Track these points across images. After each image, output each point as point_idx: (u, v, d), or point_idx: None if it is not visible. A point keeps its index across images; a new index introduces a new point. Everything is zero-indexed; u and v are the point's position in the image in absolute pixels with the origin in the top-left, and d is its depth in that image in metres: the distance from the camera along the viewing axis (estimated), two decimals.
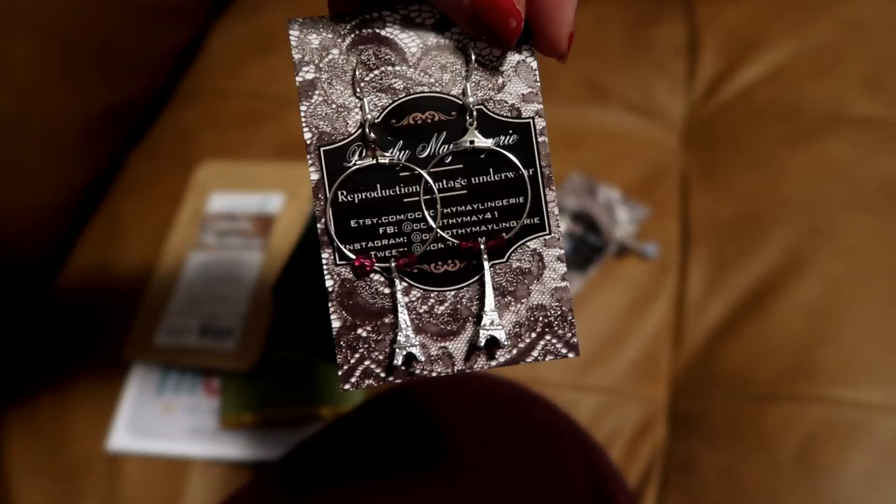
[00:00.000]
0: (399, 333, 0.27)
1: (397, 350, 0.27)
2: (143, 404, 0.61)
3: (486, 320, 0.27)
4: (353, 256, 0.27)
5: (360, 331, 0.27)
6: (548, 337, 0.28)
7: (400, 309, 0.27)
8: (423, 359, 0.27)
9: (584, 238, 0.68)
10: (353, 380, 0.27)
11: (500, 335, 0.27)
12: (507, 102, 0.28)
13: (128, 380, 0.62)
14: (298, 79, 0.27)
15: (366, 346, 0.27)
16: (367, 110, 0.27)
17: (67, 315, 0.67)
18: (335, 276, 0.27)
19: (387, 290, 0.27)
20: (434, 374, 0.27)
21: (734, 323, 0.62)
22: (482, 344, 0.27)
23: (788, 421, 0.56)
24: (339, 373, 0.27)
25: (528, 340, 0.28)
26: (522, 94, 0.28)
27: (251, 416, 0.58)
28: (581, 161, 0.74)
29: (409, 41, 0.27)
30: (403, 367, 0.27)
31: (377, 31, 0.27)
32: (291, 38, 0.27)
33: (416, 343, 0.27)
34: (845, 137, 0.71)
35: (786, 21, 0.81)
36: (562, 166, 0.74)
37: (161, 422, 0.60)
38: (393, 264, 0.27)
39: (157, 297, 0.66)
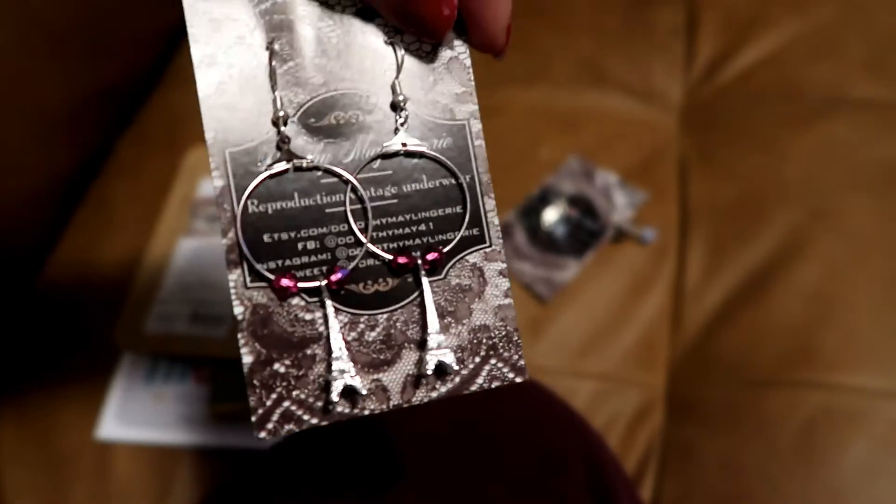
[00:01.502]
0: (334, 363, 0.23)
1: (334, 383, 0.23)
2: (133, 393, 0.60)
3: (431, 343, 0.24)
4: (271, 277, 0.23)
5: (276, 366, 0.23)
6: (493, 361, 0.25)
7: (333, 335, 0.23)
8: (364, 392, 0.23)
9: (580, 223, 0.67)
10: (271, 426, 0.23)
11: (449, 359, 0.24)
12: (439, 102, 0.25)
13: (117, 368, 0.61)
14: (199, 70, 0.23)
15: (284, 383, 0.23)
16: (281, 106, 0.23)
17: (55, 303, 0.66)
18: (245, 302, 0.23)
19: (308, 317, 0.23)
20: (366, 413, 0.23)
21: (733, 308, 0.61)
22: (430, 371, 0.24)
23: (788, 407, 0.55)
24: (253, 418, 0.23)
25: (471, 366, 0.24)
26: (456, 94, 0.25)
27: (242, 405, 0.58)
28: (578, 144, 0.73)
29: (329, 31, 0.24)
30: (338, 404, 0.23)
31: (291, 17, 0.24)
32: (189, 21, 0.23)
33: (354, 372, 0.23)
34: (846, 120, 0.70)
35: (786, 1, 0.80)
36: (558, 150, 0.72)
37: (151, 410, 0.59)
38: (323, 283, 0.23)
39: (146, 284, 0.65)
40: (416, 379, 0.24)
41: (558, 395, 0.46)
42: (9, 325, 0.66)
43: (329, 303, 0.23)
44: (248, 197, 0.23)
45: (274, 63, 0.24)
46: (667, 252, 0.66)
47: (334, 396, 0.23)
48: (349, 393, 0.23)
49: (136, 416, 0.59)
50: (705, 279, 0.64)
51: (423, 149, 0.24)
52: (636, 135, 0.74)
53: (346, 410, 0.23)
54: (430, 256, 0.24)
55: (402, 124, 0.24)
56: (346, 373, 0.23)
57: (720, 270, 0.64)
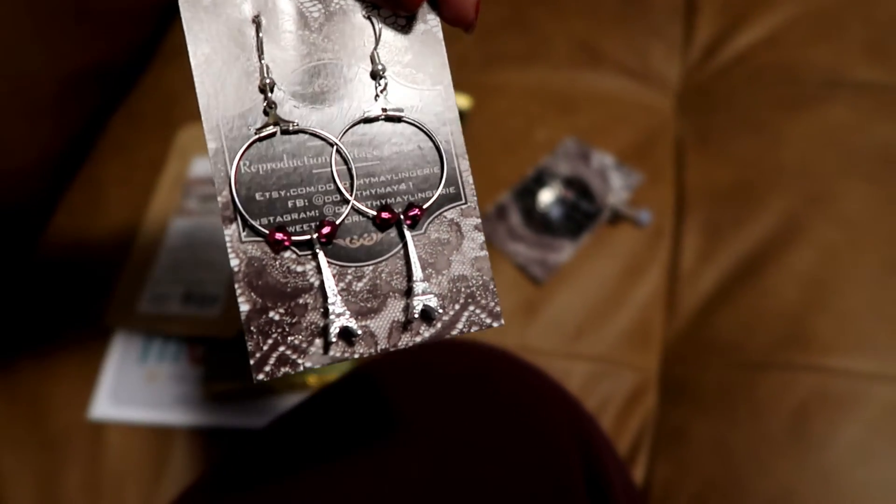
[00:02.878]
0: (330, 307, 0.25)
1: (332, 325, 0.25)
2: (126, 372, 0.60)
3: (417, 289, 0.26)
4: (265, 231, 0.25)
5: (272, 314, 0.25)
6: (471, 308, 0.27)
7: (327, 281, 0.25)
8: (360, 332, 0.25)
9: (576, 204, 0.67)
10: (268, 368, 0.25)
11: (434, 303, 0.26)
12: (415, 72, 0.27)
13: (110, 348, 0.61)
14: (190, 39, 0.25)
15: (279, 330, 0.25)
16: (268, 74, 0.25)
17: (48, 282, 0.66)
18: (241, 255, 0.25)
19: (299, 269, 0.25)
20: (356, 356, 0.25)
21: (728, 291, 0.61)
22: (417, 314, 0.25)
23: (781, 390, 0.55)
24: (252, 361, 0.24)
25: (451, 313, 0.27)
26: (431, 64, 0.27)
27: (236, 385, 0.57)
28: (574, 126, 0.72)
29: (311, 6, 0.26)
30: (333, 346, 0.25)
31: None
32: None
33: (349, 315, 0.25)
34: (844, 103, 0.69)
35: None
36: (555, 131, 0.72)
37: (144, 390, 0.59)
38: (314, 235, 0.25)
39: (139, 263, 0.64)
40: (402, 325, 0.26)
41: (552, 377, 0.46)
42: (0, 304, 0.65)
43: (321, 253, 0.25)
44: (239, 158, 0.25)
45: (261, 35, 0.25)
46: (662, 234, 0.66)
47: (333, 337, 0.24)
48: (345, 334, 0.25)
49: (129, 396, 0.59)
50: (700, 262, 0.64)
51: (402, 114, 0.27)
52: (633, 117, 0.73)
53: (338, 354, 0.25)
54: (412, 212, 0.26)
55: (381, 91, 0.26)
56: (342, 315, 0.25)
57: (715, 253, 0.64)
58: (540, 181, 0.68)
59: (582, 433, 0.42)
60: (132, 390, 0.59)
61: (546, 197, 0.67)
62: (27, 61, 0.62)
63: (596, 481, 0.41)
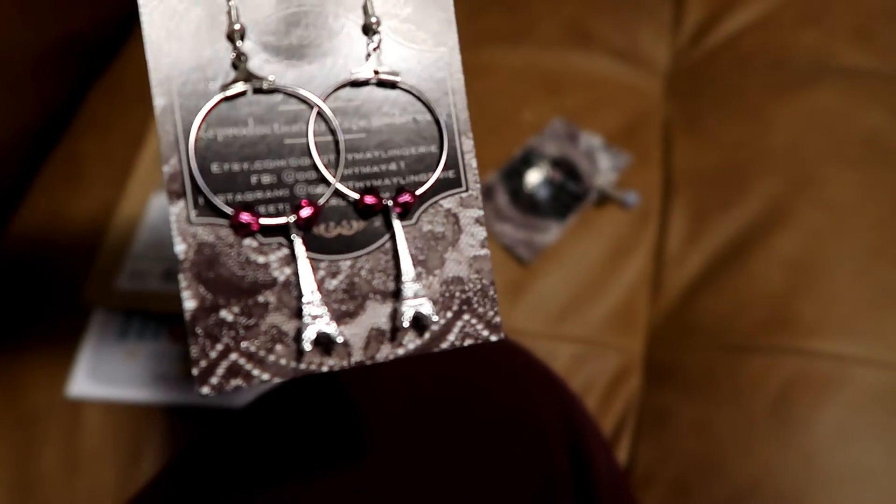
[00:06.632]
0: (305, 308, 0.20)
1: (306, 330, 0.20)
2: (105, 350, 0.59)
3: (407, 292, 0.21)
4: (229, 211, 0.20)
5: (223, 313, 0.20)
6: (466, 316, 0.22)
7: (304, 277, 0.20)
8: (340, 339, 0.20)
9: (563, 185, 0.66)
10: (215, 381, 0.20)
11: (427, 310, 0.21)
12: (416, 29, 0.22)
13: (88, 325, 0.60)
14: None
15: (232, 333, 0.20)
16: (237, 18, 0.20)
17: (24, 258, 0.64)
18: (189, 239, 0.20)
19: (261, 259, 0.20)
20: (325, 369, 0.21)
21: (713, 274, 0.61)
22: (406, 323, 0.21)
23: (764, 372, 0.56)
24: (195, 371, 0.20)
25: (442, 322, 0.22)
26: (436, 20, 0.22)
27: None
28: (563, 107, 0.72)
29: None
30: (307, 354, 0.21)
31: None
32: None
33: (329, 318, 0.20)
34: (832, 88, 0.69)
35: None
36: (543, 111, 0.71)
37: (123, 368, 0.58)
38: (291, 219, 0.20)
39: (118, 240, 0.63)
40: (383, 333, 0.22)
41: (538, 358, 0.45)
42: None
43: (299, 241, 0.21)
44: (203, 120, 0.20)
45: None
46: (649, 217, 0.65)
47: (307, 345, 0.20)
48: (322, 342, 0.21)
49: (108, 374, 0.58)
50: (686, 245, 0.63)
51: (397, 79, 0.22)
52: (621, 98, 0.73)
53: (304, 366, 0.21)
54: (402, 198, 0.21)
55: (374, 49, 0.22)
56: (319, 318, 0.20)
57: (701, 236, 0.63)
58: (527, 162, 0.68)
59: (567, 413, 0.42)
60: (111, 368, 0.58)
61: (533, 178, 0.67)
62: (4, 30, 0.60)
63: (580, 460, 0.41)
